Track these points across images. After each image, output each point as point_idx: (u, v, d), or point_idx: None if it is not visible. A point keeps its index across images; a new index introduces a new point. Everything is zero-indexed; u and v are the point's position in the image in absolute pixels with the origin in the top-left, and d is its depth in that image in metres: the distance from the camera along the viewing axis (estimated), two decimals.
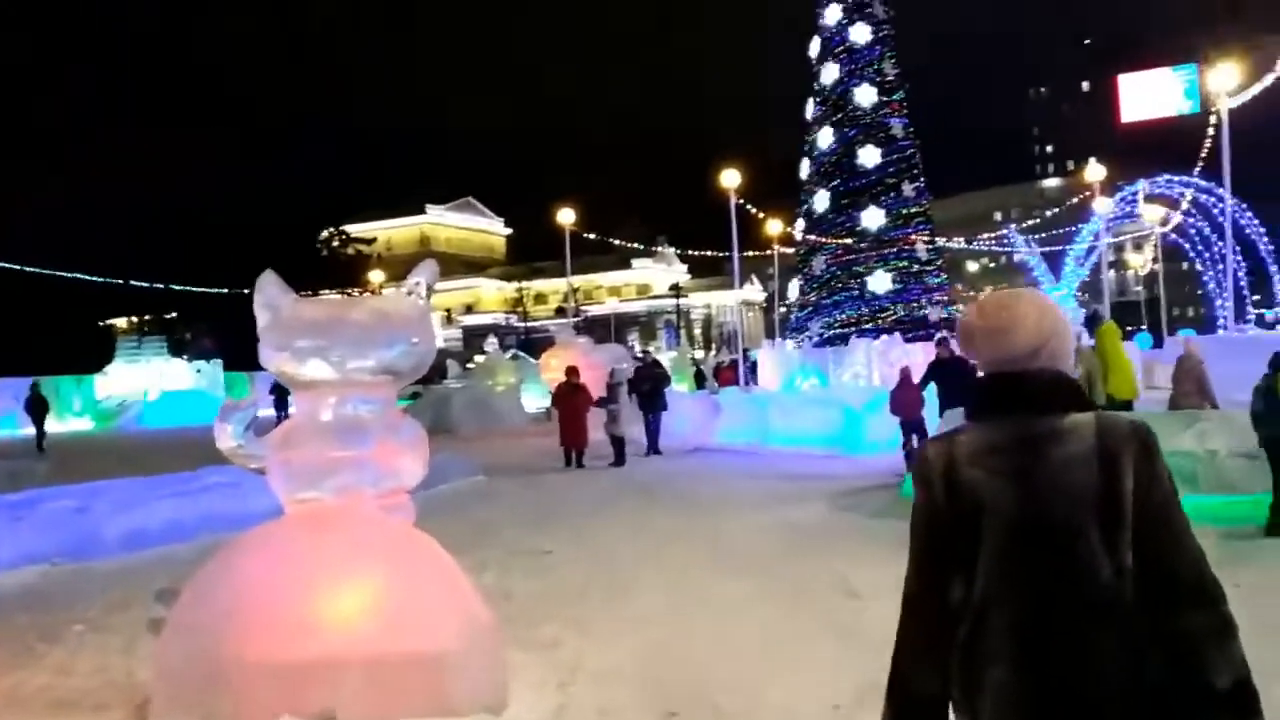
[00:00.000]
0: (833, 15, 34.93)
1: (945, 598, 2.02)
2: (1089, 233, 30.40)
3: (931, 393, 14.26)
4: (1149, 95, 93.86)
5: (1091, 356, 12.73)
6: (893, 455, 14.29)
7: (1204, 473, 8.84)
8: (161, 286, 44.49)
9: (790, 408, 19.34)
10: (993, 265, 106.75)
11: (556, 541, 10.03)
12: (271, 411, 23.51)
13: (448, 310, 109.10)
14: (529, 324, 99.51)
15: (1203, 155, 26.73)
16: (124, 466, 15.40)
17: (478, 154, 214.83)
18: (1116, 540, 1.90)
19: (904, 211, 33.64)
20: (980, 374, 2.18)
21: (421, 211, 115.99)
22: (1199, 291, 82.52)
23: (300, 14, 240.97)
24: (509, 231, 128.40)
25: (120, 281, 41.20)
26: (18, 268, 36.26)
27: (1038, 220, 47.24)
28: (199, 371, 42.99)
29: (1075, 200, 44.92)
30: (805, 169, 35.66)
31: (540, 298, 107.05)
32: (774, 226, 38.69)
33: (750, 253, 40.57)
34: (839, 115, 34.30)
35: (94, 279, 39.60)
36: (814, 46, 35.90)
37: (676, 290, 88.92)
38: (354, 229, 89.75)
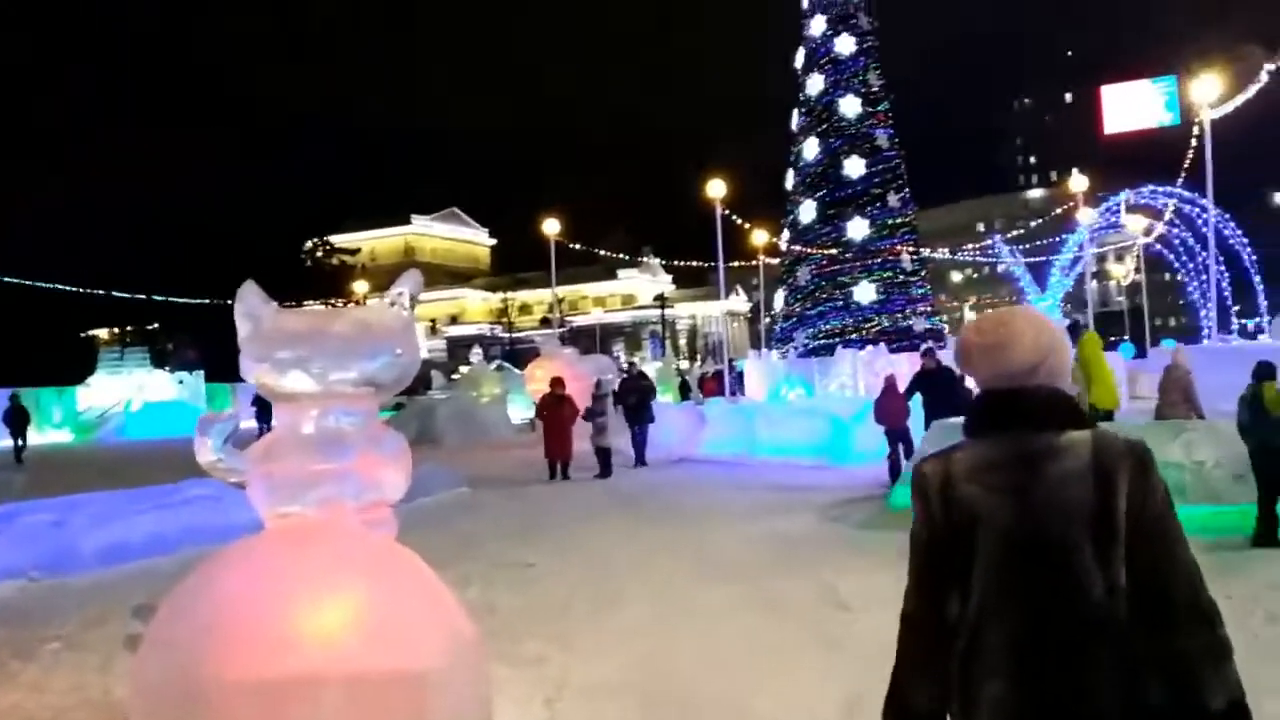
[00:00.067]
0: (817, 27, 35.07)
1: (943, 612, 2.04)
2: (1074, 243, 30.52)
3: (917, 403, 14.25)
4: (1131, 107, 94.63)
5: (1074, 368, 12.74)
6: (880, 466, 14.26)
7: (1191, 483, 8.85)
8: (144, 297, 44.21)
9: (777, 418, 19.32)
10: (976, 276, 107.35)
11: (541, 554, 9.94)
12: (253, 423, 23.36)
13: (432, 321, 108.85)
14: (514, 335, 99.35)
15: (1185, 166, 26.97)
16: (104, 479, 15.23)
17: (477, 154, 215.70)
18: (1110, 557, 1.91)
19: (889, 222, 33.75)
20: (977, 391, 2.19)
21: (406, 222, 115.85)
22: (1181, 301, 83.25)
23: (300, 14, 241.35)
24: (494, 242, 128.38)
25: (102, 292, 40.92)
26: None
27: (1022, 231, 47.52)
28: (181, 383, 42.72)
29: (1059, 211, 45.22)
30: (791, 179, 35.74)
31: (525, 308, 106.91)
32: (760, 237, 38.74)
33: (736, 263, 40.62)
34: (824, 126, 34.41)
35: (75, 289, 39.32)
36: (799, 58, 36.02)
37: (661, 301, 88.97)
38: (338, 239, 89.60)
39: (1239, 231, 28.10)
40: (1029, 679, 1.91)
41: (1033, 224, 47.72)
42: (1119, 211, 36.61)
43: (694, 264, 51.60)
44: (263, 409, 22.33)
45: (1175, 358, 12.49)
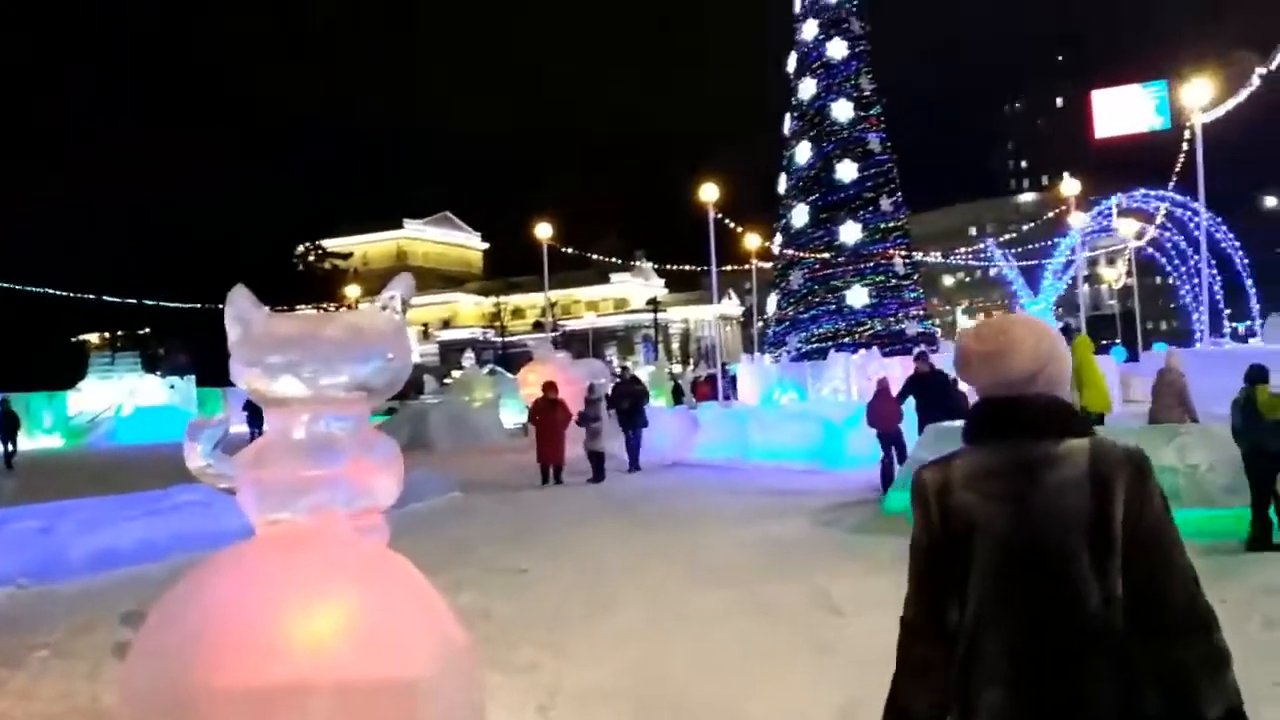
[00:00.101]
0: (810, 31, 35.10)
1: (943, 619, 2.05)
2: (1067, 246, 30.59)
3: (910, 407, 14.22)
4: (1121, 111, 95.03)
5: None
6: (873, 470, 14.24)
7: (1185, 487, 8.84)
8: (135, 302, 44.05)
9: (770, 422, 19.29)
10: (968, 280, 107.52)
11: (534, 559, 9.91)
12: (244, 428, 23.28)
13: (425, 325, 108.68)
14: (506, 339, 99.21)
15: (1177, 170, 27.00)
16: (94, 484, 15.16)
17: (476, 154, 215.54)
18: (1106, 566, 1.91)
19: (881, 226, 33.77)
20: (976, 398, 2.20)
21: (399, 226, 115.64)
22: (1172, 305, 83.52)
23: (300, 14, 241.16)
24: (486, 246, 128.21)
25: (93, 297, 40.78)
26: None
27: (1014, 235, 47.59)
28: (172, 387, 42.58)
29: (1051, 215, 45.32)
30: (783, 183, 35.76)
31: (518, 312, 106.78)
32: (752, 241, 38.75)
33: (729, 267, 40.63)
34: (816, 130, 34.43)
35: (66, 294, 39.18)
36: (791, 62, 36.06)
37: (654, 305, 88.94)
38: (330, 243, 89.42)
39: (1231, 235, 28.20)
40: (1026, 687, 1.91)
41: (1025, 228, 47.88)
42: (1110, 215, 36.70)
43: (687, 268, 51.76)
44: (254, 414, 22.28)
45: (1169, 361, 12.50)
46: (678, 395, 36.12)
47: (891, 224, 34.16)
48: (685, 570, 9.08)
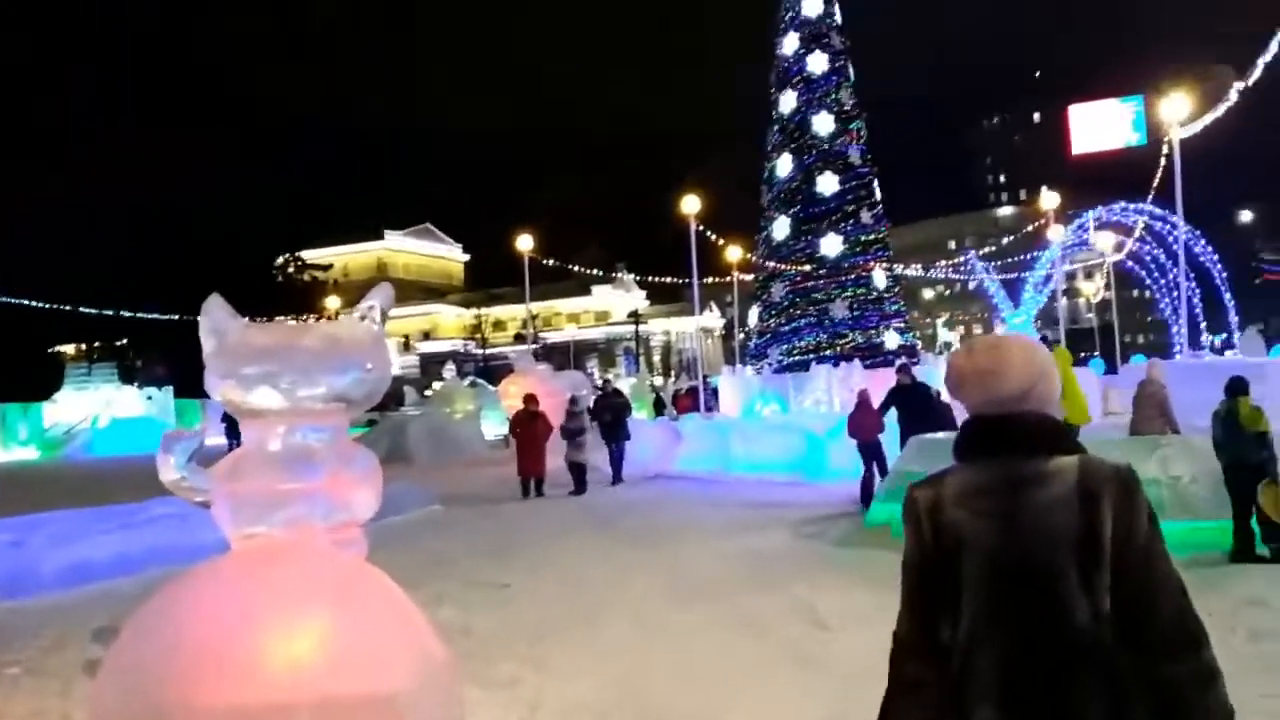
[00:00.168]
0: (790, 45, 35.20)
1: (935, 636, 2.04)
2: (1048, 259, 30.78)
3: (892, 418, 14.22)
4: (1098, 127, 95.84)
5: None
6: (856, 483, 14.20)
7: (1168, 499, 8.84)
8: (112, 312, 43.66)
9: (752, 435, 19.27)
10: (948, 293, 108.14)
11: (515, 573, 9.82)
12: (223, 440, 23.06)
13: (405, 337, 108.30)
14: (487, 351, 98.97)
15: (1154, 184, 27.21)
16: (68, 497, 14.96)
17: (475, 155, 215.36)
18: (1095, 583, 1.92)
19: (862, 239, 33.82)
20: (966, 414, 2.21)
21: (379, 237, 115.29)
22: (1149, 318, 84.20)
23: (300, 14, 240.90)
24: (467, 257, 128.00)
25: (69, 307, 40.39)
26: None
27: (993, 248, 47.86)
28: (150, 399, 42.20)
29: (1030, 228, 45.59)
30: (764, 196, 35.82)
31: (499, 324, 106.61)
32: (734, 253, 38.80)
33: (710, 279, 40.64)
34: (797, 143, 34.52)
35: (42, 305, 38.79)
36: (772, 75, 36.16)
37: (635, 317, 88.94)
38: (310, 255, 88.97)
39: (1209, 248, 28.44)
40: (1017, 704, 1.91)
41: (1004, 241, 48.11)
42: (1088, 229, 36.95)
43: (668, 280, 51.79)
44: (232, 426, 22.03)
45: (1150, 372, 12.53)
46: (659, 407, 36.11)
47: (872, 237, 34.23)
48: (668, 584, 9.01)
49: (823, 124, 34.21)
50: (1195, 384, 12.76)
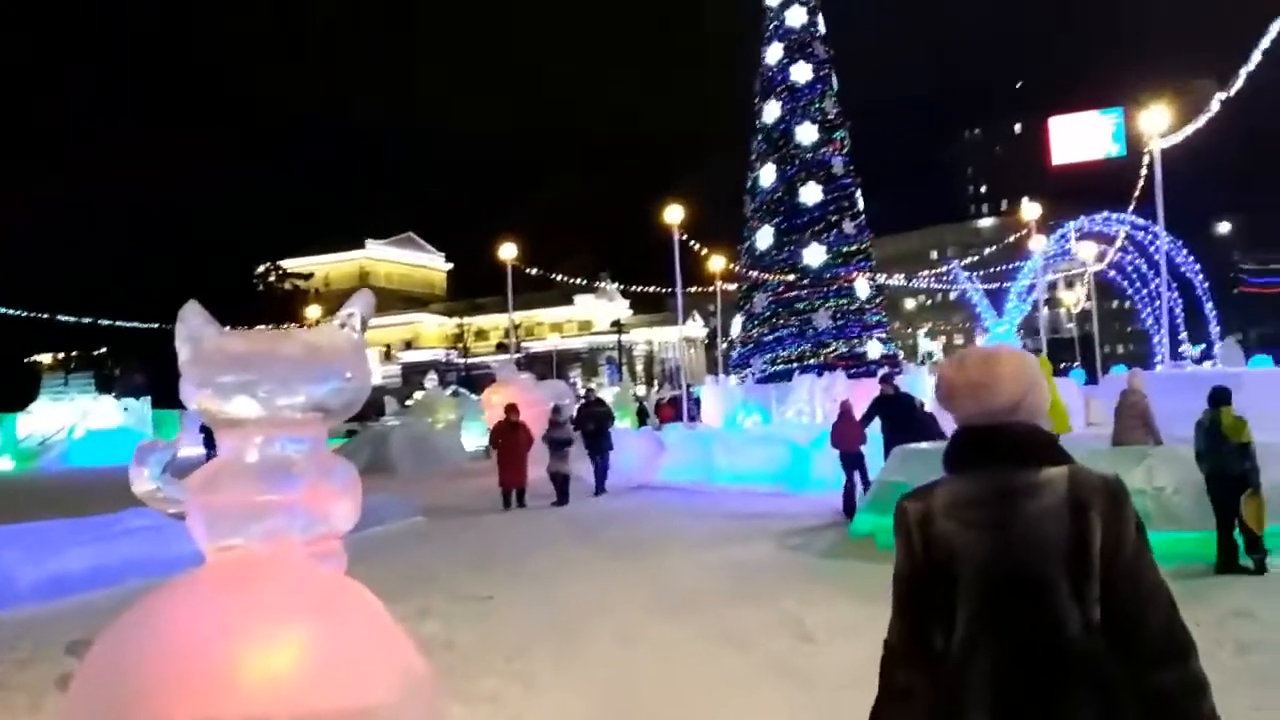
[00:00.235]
0: (774, 55, 35.33)
1: (926, 646, 2.06)
2: (1030, 269, 30.94)
3: (875, 429, 14.19)
4: (1078, 138, 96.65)
5: None
6: (839, 494, 14.17)
7: (1153, 509, 8.83)
8: (89, 321, 43.24)
9: (735, 445, 19.24)
10: (930, 303, 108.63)
11: (497, 586, 9.71)
12: (201, 450, 22.87)
13: (387, 346, 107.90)
14: (470, 360, 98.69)
15: (1135, 195, 27.36)
16: (43, 508, 14.75)
17: (474, 154, 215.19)
18: (1085, 593, 1.94)
19: (845, 249, 33.94)
20: (955, 426, 2.22)
21: (361, 246, 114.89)
22: (1129, 329, 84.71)
23: (300, 14, 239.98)
24: (450, 266, 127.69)
25: (45, 316, 39.99)
26: None
27: (976, 258, 48.06)
28: (127, 409, 41.79)
29: (1012, 239, 45.82)
30: (748, 205, 35.88)
31: (481, 334, 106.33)
32: (717, 263, 38.84)
33: (693, 289, 40.64)
34: (780, 153, 34.60)
35: (17, 313, 38.36)
36: (756, 85, 36.25)
37: (618, 326, 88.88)
38: (291, 264, 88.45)
39: (1191, 259, 28.62)
40: (1009, 714, 1.93)
41: (986, 251, 48.35)
42: (1069, 239, 37.16)
43: (651, 289, 51.71)
44: (210, 437, 21.81)
45: (1131, 382, 12.54)
46: (642, 417, 36.04)
47: (855, 247, 34.35)
48: (651, 596, 8.93)
49: (806, 134, 34.34)
50: (1177, 394, 12.79)
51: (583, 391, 33.31)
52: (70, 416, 39.27)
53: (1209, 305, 29.04)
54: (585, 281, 67.18)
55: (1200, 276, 29.11)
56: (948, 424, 2.24)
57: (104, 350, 68.99)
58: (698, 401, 32.73)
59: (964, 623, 2.00)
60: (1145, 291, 33.17)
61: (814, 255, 33.55)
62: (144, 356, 57.22)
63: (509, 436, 17.25)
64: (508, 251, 34.92)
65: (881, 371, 22.04)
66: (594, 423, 18.76)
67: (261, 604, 4.17)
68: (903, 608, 2.13)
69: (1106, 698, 1.89)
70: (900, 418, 13.76)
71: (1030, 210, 37.31)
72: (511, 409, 17.88)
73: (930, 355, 52.35)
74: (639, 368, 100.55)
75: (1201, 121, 21.09)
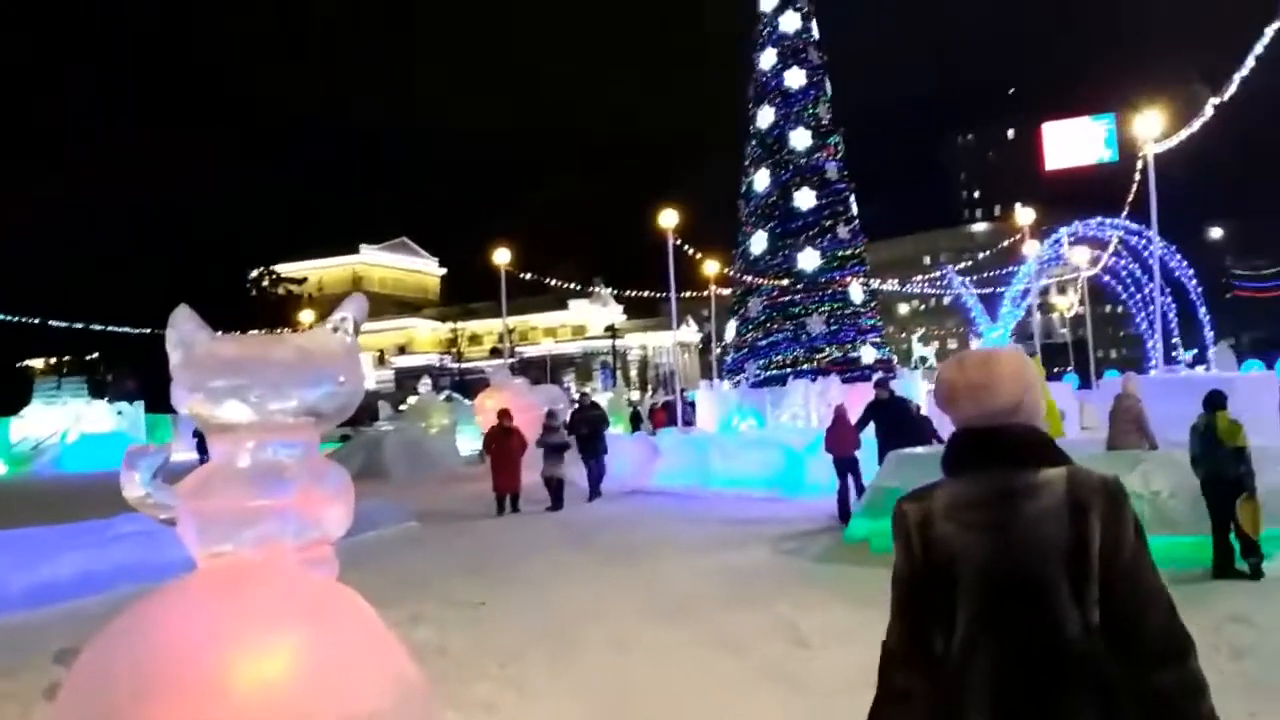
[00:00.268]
0: (767, 60, 35.33)
1: (925, 648, 2.05)
2: (1025, 274, 31.01)
3: (870, 433, 14.17)
4: (1071, 143, 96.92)
5: None
6: (834, 498, 14.14)
7: (1149, 514, 8.81)
8: (81, 326, 43.10)
9: (730, 450, 19.19)
10: (924, 308, 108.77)
11: (492, 592, 9.68)
12: (194, 455, 22.77)
13: (380, 351, 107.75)
14: (463, 365, 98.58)
15: (1129, 200, 27.41)
16: (35, 514, 14.69)
17: (473, 155, 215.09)
18: (1084, 594, 1.94)
19: (839, 254, 33.91)
20: (953, 428, 2.22)
21: (354, 251, 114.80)
22: (1122, 334, 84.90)
23: (300, 14, 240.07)
24: (444, 271, 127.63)
25: (37, 321, 39.85)
26: None
27: (969, 263, 48.18)
28: (120, 414, 41.66)
29: (1006, 244, 45.90)
30: (742, 210, 35.87)
31: (475, 339, 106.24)
32: (711, 267, 38.82)
33: (688, 293, 40.63)
34: (774, 158, 34.60)
35: (9, 318, 38.24)
36: (749, 90, 36.26)
37: (612, 331, 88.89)
38: (285, 269, 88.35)
39: (1184, 263, 28.71)
40: (1009, 715, 1.93)
41: (979, 256, 48.48)
42: (1061, 244, 37.24)
43: (645, 294, 51.70)
44: (204, 442, 21.71)
45: (1125, 387, 12.55)
46: (636, 422, 36.01)
47: (849, 251, 34.33)
48: (646, 601, 8.91)
49: (800, 139, 34.32)
50: (1171, 398, 12.80)
51: (576, 396, 33.26)
52: (63, 421, 39.15)
53: (1202, 310, 29.10)
54: (579, 287, 67.16)
55: (1193, 281, 29.20)
56: (942, 428, 2.24)
57: (96, 355, 68.83)
58: (693, 406, 32.69)
59: (964, 624, 1.99)
60: (1139, 296, 33.24)
61: (808, 260, 33.53)
62: (136, 361, 57.09)
63: (502, 442, 17.21)
64: (502, 256, 34.90)
65: (876, 376, 22.01)
66: (588, 427, 18.72)
67: (253, 610, 4.13)
68: (902, 610, 2.12)
69: (1106, 699, 1.89)
70: (894, 422, 13.74)
71: (1024, 215, 37.41)
72: (504, 414, 17.83)
73: (924, 360, 52.32)
74: (633, 373, 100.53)
75: (1195, 126, 21.15)
